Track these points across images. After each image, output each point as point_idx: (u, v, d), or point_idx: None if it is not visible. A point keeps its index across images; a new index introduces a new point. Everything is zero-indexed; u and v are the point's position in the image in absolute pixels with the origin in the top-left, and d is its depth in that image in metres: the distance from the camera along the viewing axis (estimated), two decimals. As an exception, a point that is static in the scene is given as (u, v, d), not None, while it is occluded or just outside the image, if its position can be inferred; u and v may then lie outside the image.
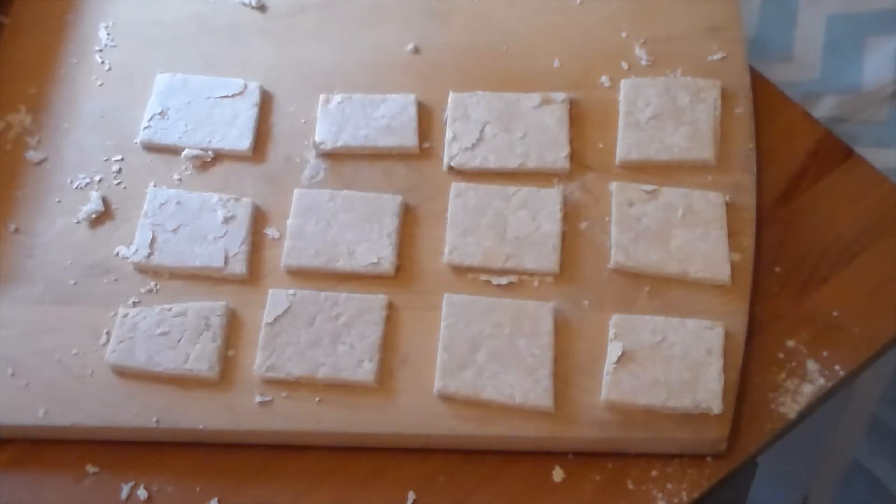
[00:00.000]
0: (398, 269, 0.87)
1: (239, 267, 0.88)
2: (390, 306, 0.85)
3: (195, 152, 0.93)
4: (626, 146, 0.91)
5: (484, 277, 0.87)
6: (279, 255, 0.88)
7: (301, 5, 1.03)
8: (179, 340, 0.84)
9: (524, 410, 0.81)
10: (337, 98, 0.95)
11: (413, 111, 0.94)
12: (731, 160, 0.91)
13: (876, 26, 1.09)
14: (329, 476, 0.82)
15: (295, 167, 0.93)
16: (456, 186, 0.90)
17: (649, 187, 0.89)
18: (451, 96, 0.94)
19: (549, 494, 0.80)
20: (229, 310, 0.86)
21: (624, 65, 0.96)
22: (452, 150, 0.92)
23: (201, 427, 0.82)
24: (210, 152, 0.94)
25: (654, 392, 0.80)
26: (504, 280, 0.86)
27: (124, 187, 0.93)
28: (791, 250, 0.89)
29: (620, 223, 0.87)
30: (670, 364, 0.81)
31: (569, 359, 0.83)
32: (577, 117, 0.93)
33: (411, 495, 0.80)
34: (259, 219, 0.91)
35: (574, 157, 0.91)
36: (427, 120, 0.95)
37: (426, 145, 0.94)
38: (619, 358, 0.81)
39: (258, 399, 0.82)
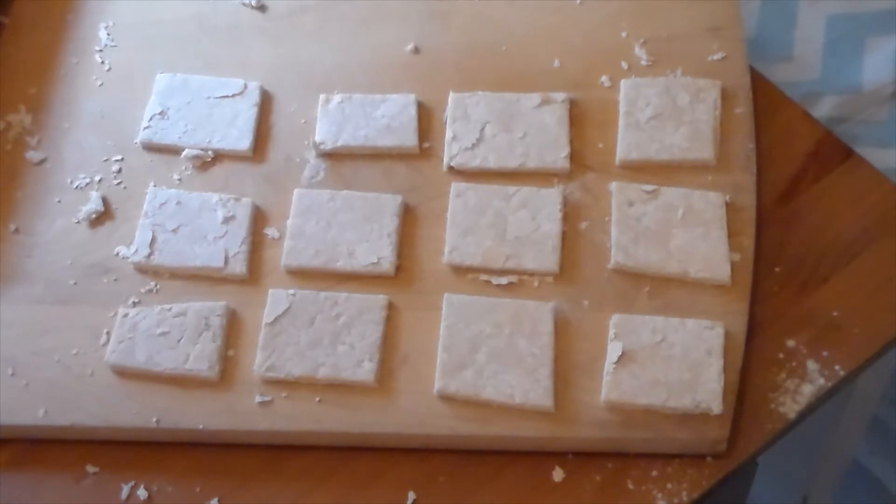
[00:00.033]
0: (398, 269, 0.87)
1: (239, 267, 0.88)
2: (390, 306, 0.85)
3: (195, 152, 0.93)
4: (626, 146, 0.91)
5: (484, 277, 0.87)
6: (279, 255, 0.88)
7: (301, 5, 1.03)
8: (179, 340, 0.84)
9: (524, 410, 0.81)
10: (337, 98, 0.95)
11: (413, 111, 0.94)
12: (731, 160, 0.91)
13: (876, 26, 1.09)
14: (329, 476, 0.82)
15: (295, 167, 0.93)
16: (456, 186, 0.90)
17: (649, 187, 0.89)
18: (451, 96, 0.94)
19: (549, 494, 0.80)
20: (229, 310, 0.86)
21: (624, 65, 0.96)
22: (452, 150, 0.92)
23: (201, 427, 0.82)
24: (210, 152, 0.94)
25: (654, 392, 0.80)
26: (504, 280, 0.86)
27: (124, 187, 0.93)
28: (791, 250, 0.89)
29: (620, 223, 0.87)
30: (670, 364, 0.81)
31: (569, 359, 0.83)
32: (577, 117, 0.93)
33: (411, 495, 0.80)
34: (259, 219, 0.91)
35: (574, 157, 0.91)
36: (427, 120, 0.95)
37: (426, 145, 0.94)
38: (619, 358, 0.81)
39: (258, 399, 0.82)
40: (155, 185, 0.92)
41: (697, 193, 0.88)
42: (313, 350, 0.83)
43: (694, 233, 0.87)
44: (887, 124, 1.09)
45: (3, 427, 0.83)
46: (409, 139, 0.93)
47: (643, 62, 0.96)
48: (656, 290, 0.85)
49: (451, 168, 0.92)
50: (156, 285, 0.88)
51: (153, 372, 0.83)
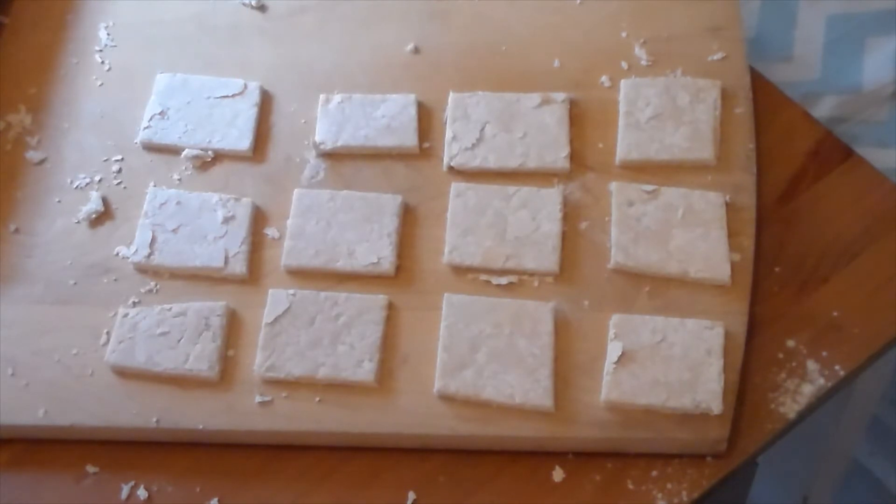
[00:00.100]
0: (398, 269, 0.87)
1: (239, 267, 0.88)
2: (390, 306, 0.85)
3: (195, 152, 0.93)
4: (626, 146, 0.91)
5: (484, 277, 0.87)
6: (279, 255, 0.88)
7: (301, 5, 1.03)
8: (179, 340, 0.84)
9: (524, 410, 0.81)
10: (337, 98, 0.95)
11: (413, 111, 0.94)
12: (731, 160, 0.91)
13: (876, 26, 1.09)
14: (329, 476, 0.82)
15: (295, 167, 0.93)
16: (456, 186, 0.90)
17: (649, 187, 0.89)
18: (451, 96, 0.94)
19: (549, 494, 0.80)
20: (229, 310, 0.86)
21: (624, 65, 0.96)
22: (452, 150, 0.92)
23: (201, 427, 0.82)
24: (210, 152, 0.94)
25: (654, 392, 0.80)
26: (504, 280, 0.86)
27: (124, 187, 0.93)
28: (791, 250, 0.89)
29: (620, 223, 0.87)
30: (670, 364, 0.81)
31: (569, 359, 0.83)
32: (577, 117, 0.93)
33: (411, 495, 0.80)
34: (259, 219, 0.91)
35: (574, 157, 0.91)
36: (427, 120, 0.95)
37: (426, 145, 0.94)
38: (619, 358, 0.81)
39: (258, 399, 0.82)
40: (155, 185, 0.92)
41: (697, 193, 0.88)
42: (313, 350, 0.83)
43: (694, 233, 0.87)
44: (887, 124, 1.09)
45: (3, 427, 0.83)
46: (409, 139, 0.93)
47: (643, 62, 0.96)
48: (656, 290, 0.85)
49: (451, 168, 0.92)
50: (156, 285, 0.88)
51: (153, 372, 0.83)
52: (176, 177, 0.93)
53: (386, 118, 0.94)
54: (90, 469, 0.82)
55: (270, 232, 0.90)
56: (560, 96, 0.94)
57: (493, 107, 0.93)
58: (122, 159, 0.95)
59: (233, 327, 0.85)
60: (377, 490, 0.81)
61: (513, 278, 0.86)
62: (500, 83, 0.95)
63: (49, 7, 1.04)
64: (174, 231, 0.89)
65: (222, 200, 0.90)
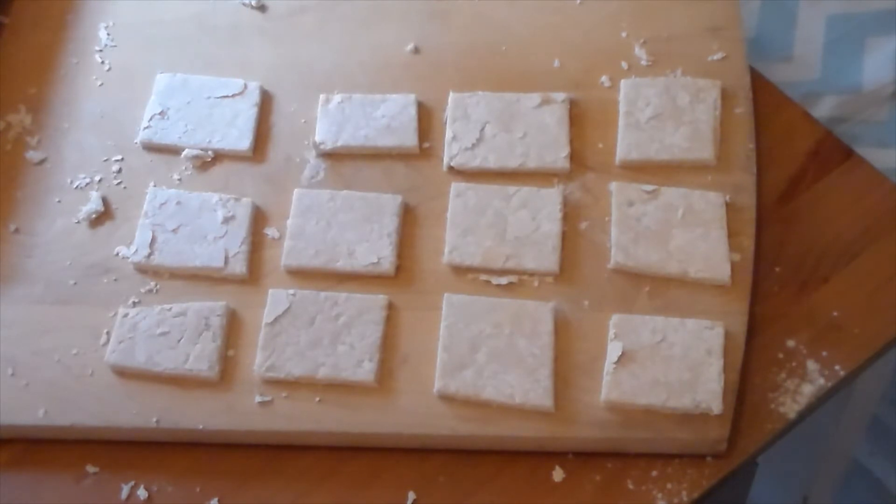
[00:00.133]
0: (398, 269, 0.87)
1: (239, 267, 0.88)
2: (390, 306, 0.85)
3: (195, 152, 0.93)
4: (626, 146, 0.91)
5: (484, 277, 0.87)
6: (279, 255, 0.88)
7: (301, 5, 1.03)
8: (179, 340, 0.84)
9: (524, 410, 0.81)
10: (337, 98, 0.95)
11: (413, 111, 0.94)
12: (731, 160, 0.91)
13: (876, 26, 1.09)
14: (329, 476, 0.82)
15: (295, 167, 0.93)
16: (456, 186, 0.90)
17: (649, 187, 0.89)
18: (451, 96, 0.94)
19: (549, 494, 0.80)
20: (229, 310, 0.86)
21: (624, 65, 0.96)
22: (452, 150, 0.92)
23: (201, 427, 0.82)
24: (210, 152, 0.94)
25: (654, 392, 0.80)
26: (504, 280, 0.86)
27: (124, 187, 0.93)
28: (791, 250, 0.89)
29: (620, 223, 0.87)
30: (670, 364, 0.81)
31: (569, 359, 0.83)
32: (577, 117, 0.93)
33: (411, 495, 0.80)
34: (259, 219, 0.91)
35: (574, 157, 0.91)
36: (427, 120, 0.95)
37: (426, 145, 0.94)
38: (619, 358, 0.81)
39: (258, 399, 0.82)
40: (155, 185, 0.92)
41: (697, 193, 0.88)
42: (313, 350, 0.83)
43: (694, 233, 0.87)
44: (887, 124, 1.09)
45: (3, 427, 0.83)
46: (409, 139, 0.93)
47: (643, 62, 0.96)
48: (656, 290, 0.85)
49: (451, 168, 0.92)
50: (156, 285, 0.88)
51: (153, 372, 0.83)
52: (176, 177, 0.93)
53: (386, 118, 0.94)
54: (90, 469, 0.82)
55: (270, 232, 0.90)
56: (560, 96, 0.94)
57: (493, 107, 0.93)
58: (122, 159, 0.95)
59: (233, 327, 0.85)
60: (377, 490, 0.81)
61: (513, 278, 0.86)
62: (500, 83, 0.95)
63: (49, 7, 1.04)
64: (174, 231, 0.89)
65: (222, 200, 0.90)
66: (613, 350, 0.82)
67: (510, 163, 0.91)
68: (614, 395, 0.80)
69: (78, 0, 1.05)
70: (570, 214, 0.89)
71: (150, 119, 0.95)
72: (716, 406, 0.79)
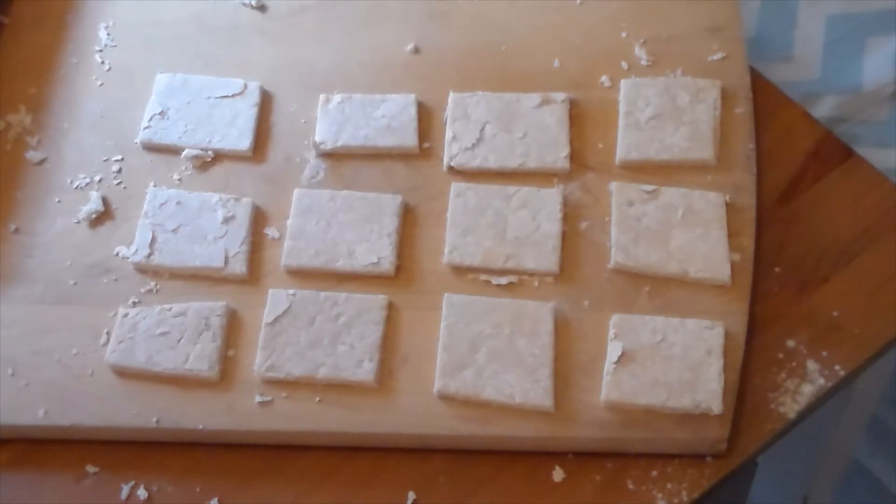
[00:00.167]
0: (398, 269, 0.87)
1: (239, 267, 0.88)
2: (390, 306, 0.85)
3: (195, 152, 0.93)
4: (626, 146, 0.91)
5: (484, 277, 0.87)
6: (279, 255, 0.88)
7: (301, 5, 1.03)
8: (179, 340, 0.84)
9: (524, 410, 0.81)
10: (337, 98, 0.95)
11: (413, 111, 0.94)
12: (731, 160, 0.91)
13: (876, 26, 1.09)
14: (329, 476, 0.82)
15: (295, 167, 0.93)
16: (456, 186, 0.90)
17: (649, 187, 0.89)
18: (451, 96, 0.94)
19: (549, 494, 0.80)
20: (229, 310, 0.86)
21: (624, 65, 0.96)
22: (452, 150, 0.92)
23: (201, 427, 0.82)
24: (210, 152, 0.94)
25: (654, 392, 0.80)
26: (504, 280, 0.86)
27: (124, 187, 0.93)
28: (791, 250, 0.89)
29: (620, 223, 0.87)
30: (670, 364, 0.81)
31: (569, 359, 0.83)
32: (577, 117, 0.93)
33: (411, 495, 0.80)
34: (259, 219, 0.91)
35: (574, 157, 0.91)
36: (427, 120, 0.95)
37: (426, 145, 0.94)
38: (619, 358, 0.81)
39: (258, 399, 0.82)
40: (155, 185, 0.92)
41: (697, 193, 0.88)
42: (313, 350, 0.83)
43: (694, 233, 0.87)
44: (887, 124, 1.09)
45: (3, 427, 0.83)
46: (409, 139, 0.93)
47: (643, 62, 0.96)
48: (656, 290, 0.85)
49: (451, 168, 0.92)
50: (156, 285, 0.88)
51: (153, 372, 0.83)
52: (176, 177, 0.93)
53: (386, 118, 0.94)
54: (90, 469, 0.82)
55: (270, 232, 0.90)
56: (560, 96, 0.94)
57: (493, 107, 0.93)
58: (122, 159, 0.95)
59: (233, 327, 0.85)
60: (377, 490, 0.81)
61: (513, 278, 0.86)
62: (500, 83, 0.95)
63: (49, 7, 1.04)
64: (174, 231, 0.89)
65: (222, 200, 0.90)
66: (613, 350, 0.82)
67: (510, 163, 0.91)
68: (614, 395, 0.80)
69: (78, 0, 1.05)
70: (570, 214, 0.89)
71: (150, 119, 0.95)
72: (716, 406, 0.79)
